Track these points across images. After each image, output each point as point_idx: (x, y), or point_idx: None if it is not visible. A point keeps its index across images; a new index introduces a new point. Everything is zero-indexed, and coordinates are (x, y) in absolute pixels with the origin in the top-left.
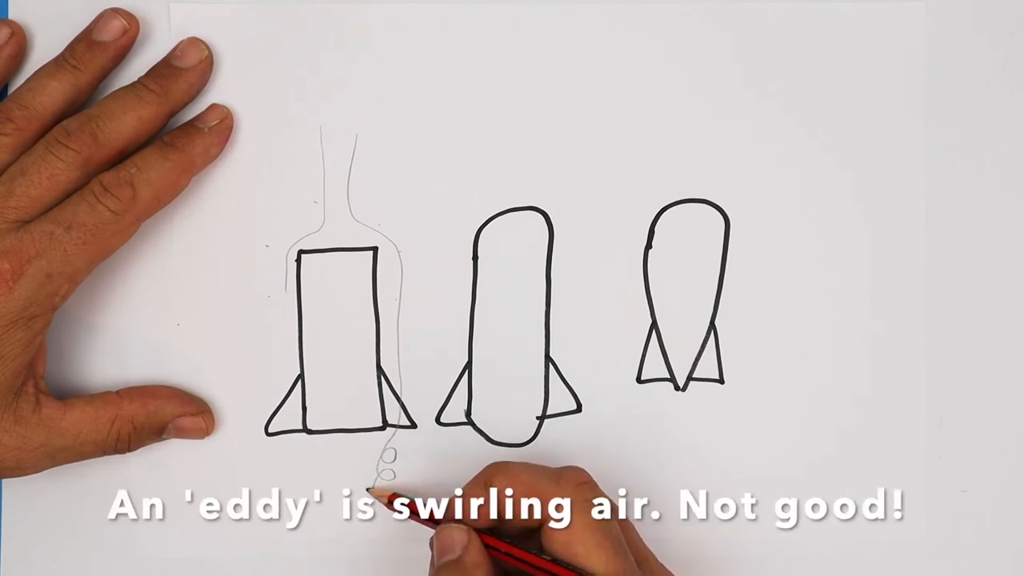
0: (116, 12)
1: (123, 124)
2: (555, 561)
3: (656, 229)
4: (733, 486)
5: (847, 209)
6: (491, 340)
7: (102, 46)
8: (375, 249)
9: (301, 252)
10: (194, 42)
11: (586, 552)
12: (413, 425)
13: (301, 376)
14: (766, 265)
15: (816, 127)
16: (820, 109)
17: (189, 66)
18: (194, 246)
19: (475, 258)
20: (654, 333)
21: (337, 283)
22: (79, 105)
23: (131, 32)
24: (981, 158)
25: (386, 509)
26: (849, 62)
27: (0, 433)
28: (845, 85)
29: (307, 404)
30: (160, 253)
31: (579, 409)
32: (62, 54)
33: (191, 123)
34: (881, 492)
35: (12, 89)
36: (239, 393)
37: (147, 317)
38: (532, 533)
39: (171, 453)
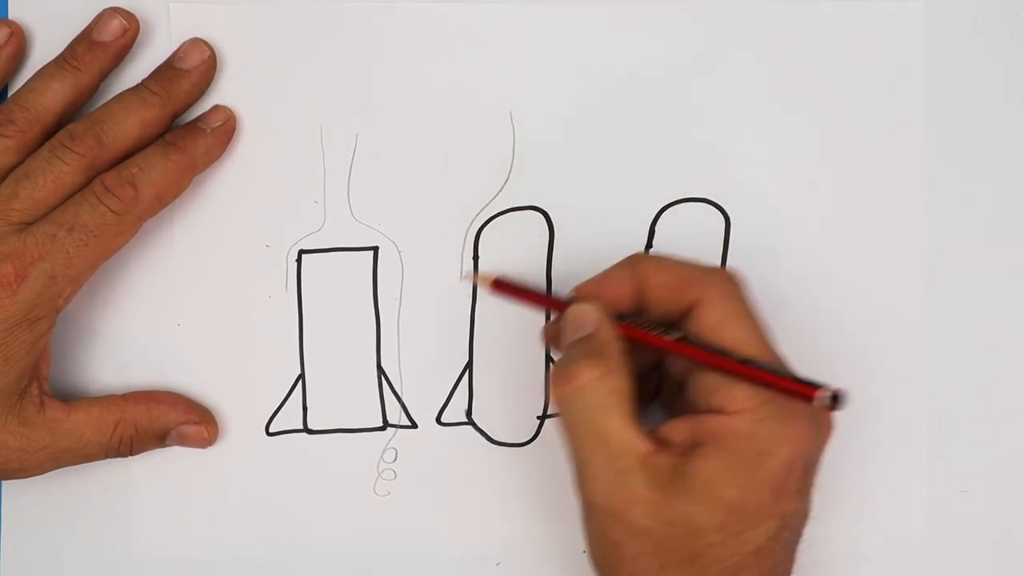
0: (115, 12)
1: (127, 127)
2: (702, 344)
3: (656, 229)
4: None
5: (847, 208)
6: (491, 340)
7: (102, 46)
8: (375, 249)
9: (301, 252)
10: (196, 43)
11: (738, 335)
12: (414, 425)
13: (302, 376)
14: (766, 264)
15: (816, 127)
16: (820, 109)
17: (191, 67)
18: (194, 246)
19: (476, 257)
20: None
21: (337, 283)
22: (80, 106)
23: (131, 31)
24: (981, 158)
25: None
26: (849, 62)
27: (4, 435)
28: (845, 85)
29: (308, 404)
30: (161, 253)
31: None
32: (62, 55)
33: (194, 123)
34: (881, 492)
35: (12, 90)
36: (240, 393)
37: (148, 317)
38: (668, 328)
39: (172, 453)
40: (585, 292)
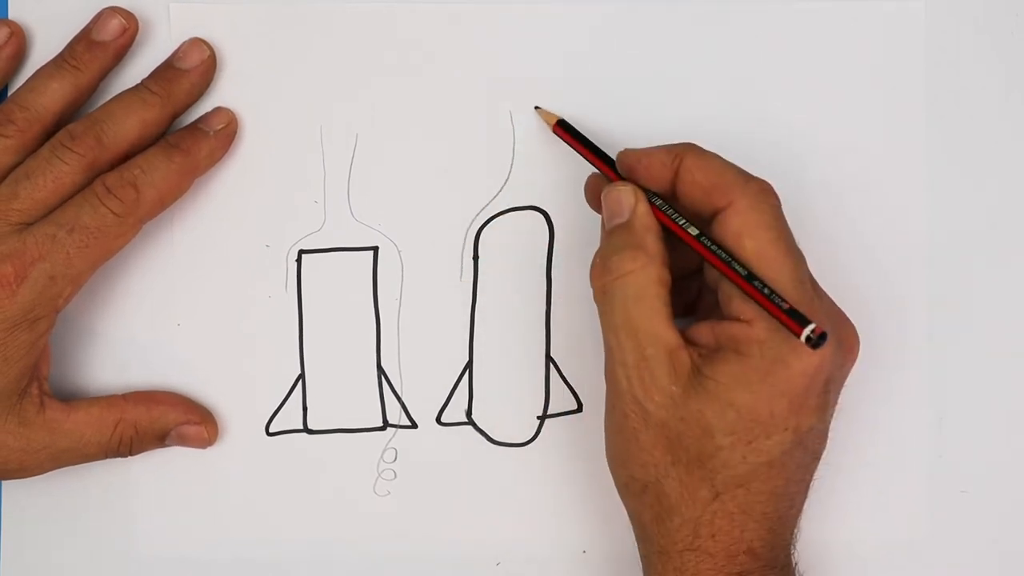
0: (114, 11)
1: (127, 127)
2: (716, 247)
3: None
4: None
5: (847, 209)
6: (491, 340)
7: (101, 46)
8: (375, 249)
9: (302, 252)
10: (196, 43)
11: (756, 247)
12: (414, 425)
13: (302, 376)
14: None
15: (816, 127)
16: (820, 109)
17: (191, 67)
18: (194, 246)
19: (475, 258)
20: None
21: (337, 283)
22: (80, 105)
23: (130, 31)
24: (981, 158)
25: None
26: (849, 62)
27: (4, 435)
28: (845, 85)
29: (308, 404)
30: (161, 253)
31: (580, 409)
32: (61, 54)
33: (196, 125)
34: (881, 492)
35: (12, 90)
36: (240, 393)
37: (148, 317)
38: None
39: (172, 453)
40: (627, 160)
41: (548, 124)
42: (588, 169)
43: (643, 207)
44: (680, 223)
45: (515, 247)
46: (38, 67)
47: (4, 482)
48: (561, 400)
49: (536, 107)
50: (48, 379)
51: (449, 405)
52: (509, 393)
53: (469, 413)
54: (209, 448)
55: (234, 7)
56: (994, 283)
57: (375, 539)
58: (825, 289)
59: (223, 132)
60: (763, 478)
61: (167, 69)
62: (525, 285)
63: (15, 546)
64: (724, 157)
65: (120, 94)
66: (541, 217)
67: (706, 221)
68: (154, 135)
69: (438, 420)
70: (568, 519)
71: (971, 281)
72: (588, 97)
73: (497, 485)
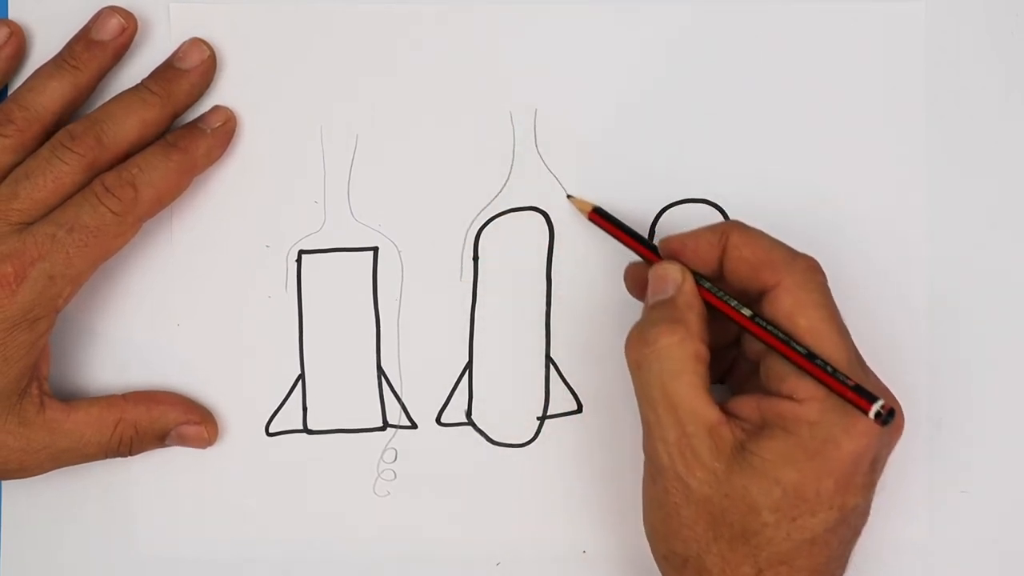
0: (113, 10)
1: (127, 127)
2: (773, 328)
3: (657, 229)
4: None
5: (847, 209)
6: (491, 340)
7: (100, 45)
8: (375, 249)
9: (301, 252)
10: (196, 43)
11: (809, 324)
12: (413, 425)
13: (301, 376)
14: None
15: (816, 127)
16: (820, 109)
17: (191, 67)
18: (194, 246)
19: (475, 258)
20: None
21: (337, 283)
22: (79, 105)
23: (129, 30)
24: (981, 158)
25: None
26: (849, 62)
27: (4, 435)
28: (845, 85)
29: (307, 404)
30: (161, 253)
31: (579, 409)
32: (60, 54)
33: (194, 124)
34: (881, 492)
35: (11, 90)
36: (239, 393)
37: (147, 317)
38: (744, 302)
39: (171, 453)
40: (671, 247)
41: (583, 213)
42: (591, 173)
43: (689, 285)
44: (732, 304)
45: (515, 248)
46: (38, 67)
47: (4, 482)
48: (561, 401)
49: (568, 196)
50: (48, 379)
51: (449, 405)
52: (509, 394)
53: (469, 413)
54: (209, 448)
55: (234, 7)
56: (994, 283)
57: (375, 539)
58: None
59: (221, 130)
60: (806, 555)
61: (167, 69)
62: (525, 286)
63: (15, 546)
64: (769, 234)
65: (120, 94)
66: (541, 218)
67: (753, 299)
68: (154, 135)
69: (438, 420)
70: (568, 519)
71: (971, 281)
72: (588, 97)
73: (497, 486)
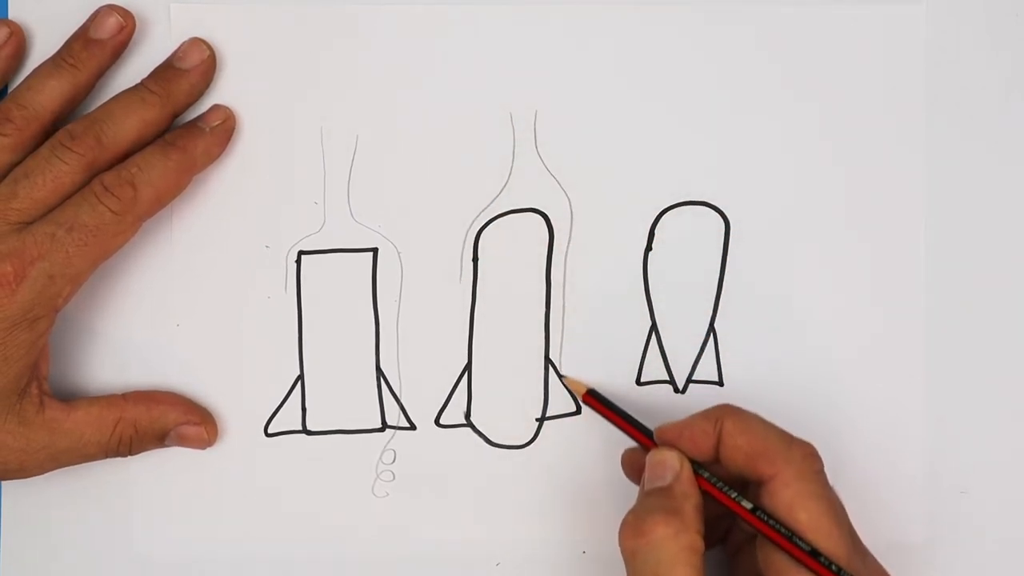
0: (111, 9)
1: (126, 127)
2: (774, 522)
3: (656, 231)
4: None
5: (847, 210)
6: (491, 341)
7: (99, 44)
8: (375, 250)
9: (301, 253)
10: (196, 43)
11: (809, 519)
12: (412, 427)
13: (301, 377)
14: (766, 267)
15: (816, 128)
16: (820, 110)
17: (191, 67)
18: (194, 247)
19: (475, 259)
20: (654, 335)
21: (337, 284)
22: (78, 104)
23: (127, 29)
24: (981, 158)
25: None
26: (849, 63)
27: (4, 435)
28: (845, 86)
29: (307, 405)
30: (160, 254)
31: (579, 411)
32: (59, 53)
33: (193, 123)
34: (880, 493)
35: (11, 89)
36: (239, 394)
37: (147, 318)
38: (741, 486)
39: (170, 453)
40: (667, 436)
41: (577, 394)
42: (591, 174)
43: (687, 474)
44: (732, 496)
45: (514, 249)
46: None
47: (4, 482)
48: (560, 402)
49: (562, 376)
50: (48, 379)
51: (448, 407)
52: (508, 395)
53: (468, 415)
54: (208, 449)
55: (234, 7)
56: (994, 283)
57: (373, 540)
58: (824, 291)
59: (220, 128)
60: None
61: (167, 69)
62: (524, 287)
63: (15, 546)
64: (765, 419)
65: (120, 94)
66: (540, 219)
67: (750, 485)
68: (154, 135)
69: (437, 422)
70: (568, 520)
71: (971, 281)
72: (589, 98)
73: (496, 487)
